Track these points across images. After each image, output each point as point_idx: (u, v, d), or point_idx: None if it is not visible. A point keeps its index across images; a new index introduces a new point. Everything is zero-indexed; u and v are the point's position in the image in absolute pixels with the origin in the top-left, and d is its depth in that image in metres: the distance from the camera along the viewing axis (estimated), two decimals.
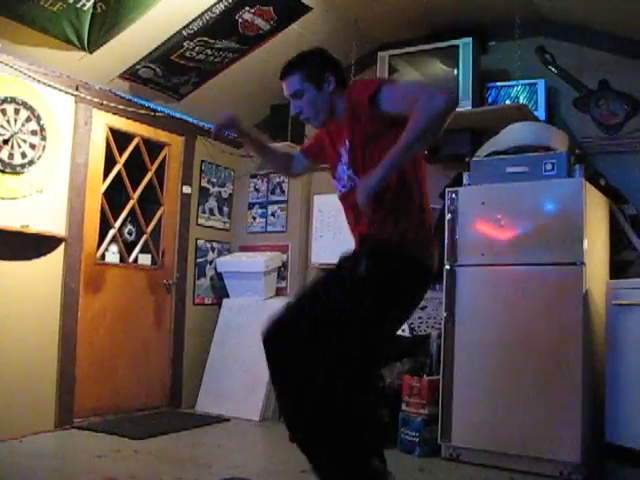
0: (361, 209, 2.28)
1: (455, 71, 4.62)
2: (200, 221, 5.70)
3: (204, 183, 5.74)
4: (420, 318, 4.96)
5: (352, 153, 2.47)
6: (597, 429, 3.61)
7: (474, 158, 4.29)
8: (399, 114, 2.24)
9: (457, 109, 4.54)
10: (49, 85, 4.42)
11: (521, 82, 4.61)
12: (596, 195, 4.06)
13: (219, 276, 5.78)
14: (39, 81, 4.35)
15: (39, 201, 4.34)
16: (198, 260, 5.68)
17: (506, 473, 3.66)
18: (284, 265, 5.69)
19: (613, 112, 4.50)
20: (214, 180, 5.84)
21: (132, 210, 5.23)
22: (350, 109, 2.42)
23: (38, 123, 4.33)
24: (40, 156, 4.33)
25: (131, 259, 5.23)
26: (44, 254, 4.40)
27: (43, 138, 4.35)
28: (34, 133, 4.31)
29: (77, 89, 4.59)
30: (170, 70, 4.79)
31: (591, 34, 4.55)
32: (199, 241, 5.69)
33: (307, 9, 4.59)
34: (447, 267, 4.08)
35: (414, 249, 2.39)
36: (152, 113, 5.17)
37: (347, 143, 2.48)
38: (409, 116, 2.17)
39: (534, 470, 3.64)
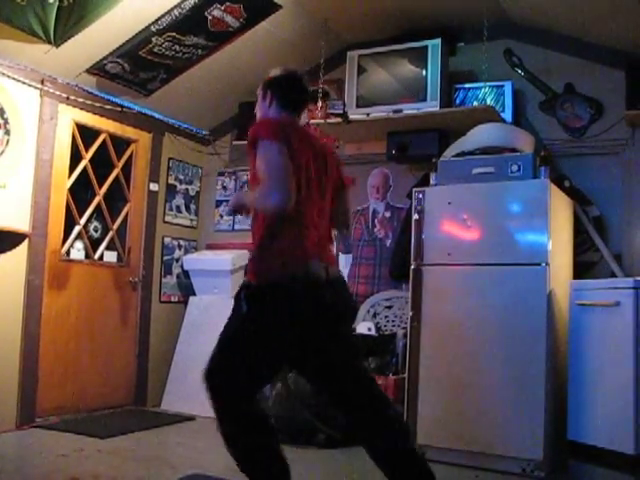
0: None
1: (424, 72, 4.65)
2: (167, 218, 5.66)
3: (171, 180, 5.70)
4: (386, 317, 4.98)
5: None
6: (559, 427, 3.66)
7: (441, 159, 4.33)
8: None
9: (426, 110, 4.63)
10: (14, 78, 4.34)
11: (488, 84, 4.66)
12: (561, 197, 4.12)
13: (186, 274, 5.74)
14: (3, 74, 4.28)
15: (2, 196, 4.27)
16: (165, 258, 5.64)
17: (471, 471, 3.70)
18: None
19: (578, 115, 4.57)
20: (181, 177, 5.80)
21: (98, 207, 5.17)
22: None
23: (2, 117, 4.26)
24: (3, 151, 4.26)
25: (96, 256, 5.17)
26: (7, 250, 4.33)
27: (7, 132, 4.28)
28: None
29: (43, 83, 4.53)
30: (138, 66, 4.74)
31: (558, 38, 4.61)
32: (166, 239, 5.65)
33: (277, 7, 4.58)
34: (413, 266, 4.10)
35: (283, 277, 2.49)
36: (119, 109, 5.12)
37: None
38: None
39: (498, 467, 3.68)
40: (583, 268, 4.36)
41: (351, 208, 3.13)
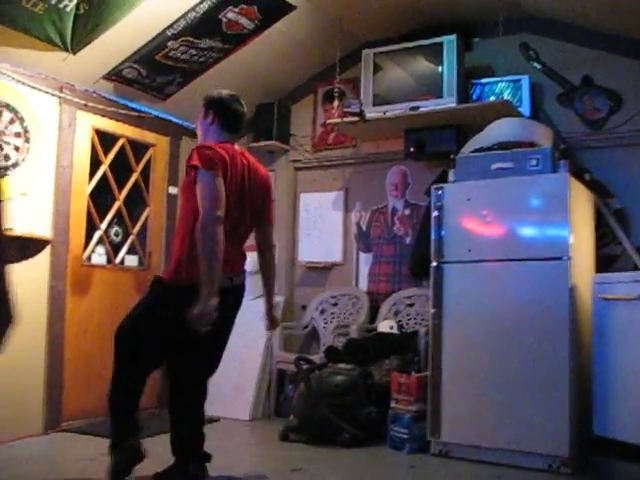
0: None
1: (440, 68, 4.64)
2: None
3: None
4: (408, 315, 4.97)
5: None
6: (585, 422, 3.63)
7: (459, 155, 4.31)
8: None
9: (443, 106, 4.62)
10: (33, 87, 4.38)
11: (505, 78, 4.64)
12: (581, 190, 4.08)
13: None
14: (22, 82, 4.32)
15: (24, 204, 4.31)
16: None
17: (496, 468, 3.67)
18: None
19: (597, 107, 4.53)
20: None
21: (118, 211, 5.20)
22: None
23: (22, 125, 4.30)
24: (24, 158, 4.30)
25: (118, 260, 5.20)
26: (29, 257, 4.37)
27: (27, 140, 4.33)
28: (18, 135, 4.28)
29: (61, 90, 4.57)
30: (155, 70, 4.77)
31: (574, 30, 4.58)
32: None
33: (291, 8, 4.58)
34: (434, 264, 4.09)
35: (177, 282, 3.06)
36: (137, 114, 5.15)
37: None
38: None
39: (523, 464, 3.66)
40: (605, 261, 4.32)
41: (272, 243, 3.47)
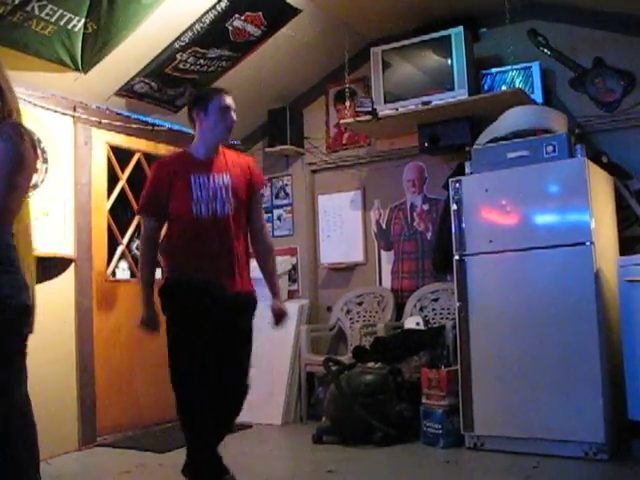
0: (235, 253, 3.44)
1: (449, 61, 4.62)
2: None
3: None
4: (434, 310, 4.96)
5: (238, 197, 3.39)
6: (619, 407, 3.61)
7: (474, 146, 4.29)
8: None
9: (454, 99, 4.60)
10: (47, 108, 4.43)
11: (516, 67, 4.62)
12: (599, 173, 4.05)
13: None
14: (36, 105, 4.37)
15: (46, 224, 4.36)
16: None
17: (532, 458, 3.65)
18: (294, 268, 5.69)
19: (610, 89, 4.50)
20: None
21: (138, 225, 5.24)
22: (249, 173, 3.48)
23: (39, 146, 4.35)
24: (43, 179, 4.35)
25: None
26: (55, 276, 4.42)
27: (45, 161, 4.37)
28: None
29: (75, 110, 4.61)
30: (165, 83, 4.80)
31: (582, 13, 4.54)
32: None
33: (296, 12, 4.59)
34: (456, 257, 4.08)
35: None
36: (150, 127, 5.19)
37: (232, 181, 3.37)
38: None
39: (559, 453, 3.64)
40: (629, 243, 4.28)
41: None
